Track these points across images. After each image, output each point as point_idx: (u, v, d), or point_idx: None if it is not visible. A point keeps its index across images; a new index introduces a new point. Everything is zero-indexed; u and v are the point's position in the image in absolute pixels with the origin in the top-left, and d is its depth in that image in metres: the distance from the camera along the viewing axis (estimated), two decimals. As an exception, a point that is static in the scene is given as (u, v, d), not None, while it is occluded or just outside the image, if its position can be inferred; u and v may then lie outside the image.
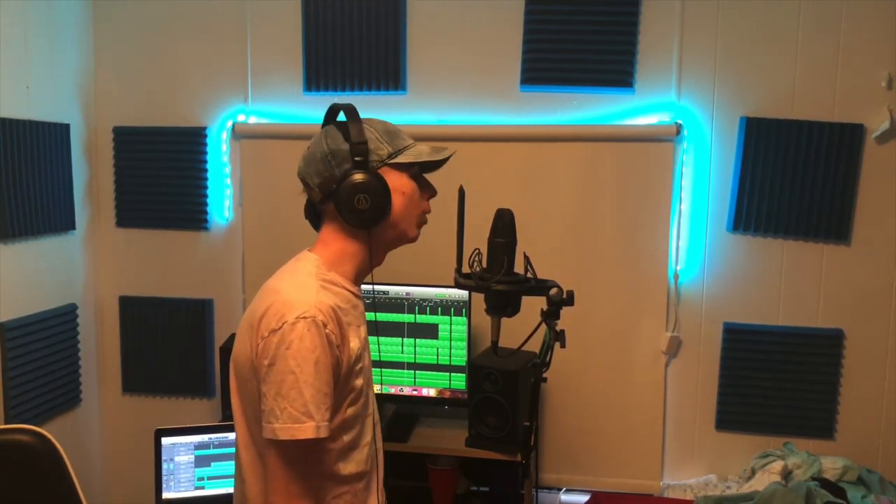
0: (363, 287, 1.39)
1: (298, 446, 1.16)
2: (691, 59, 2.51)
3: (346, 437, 1.27)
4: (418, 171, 1.36)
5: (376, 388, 2.49)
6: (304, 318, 1.17)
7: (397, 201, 1.30)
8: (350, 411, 1.27)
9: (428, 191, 1.37)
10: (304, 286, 1.23)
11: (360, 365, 1.29)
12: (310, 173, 1.31)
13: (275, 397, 1.16)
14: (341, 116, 1.32)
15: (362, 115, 1.33)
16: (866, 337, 2.48)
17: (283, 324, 1.17)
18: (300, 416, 1.15)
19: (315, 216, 1.38)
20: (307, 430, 1.15)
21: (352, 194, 1.25)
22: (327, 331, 1.18)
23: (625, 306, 2.58)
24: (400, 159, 1.30)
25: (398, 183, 1.30)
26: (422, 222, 1.38)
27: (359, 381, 1.28)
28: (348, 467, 1.29)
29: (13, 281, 2.42)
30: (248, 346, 1.22)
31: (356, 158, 1.25)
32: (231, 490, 1.38)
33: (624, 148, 2.54)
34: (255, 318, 1.22)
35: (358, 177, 1.25)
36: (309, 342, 1.16)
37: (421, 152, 1.32)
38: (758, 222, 2.49)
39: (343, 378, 1.24)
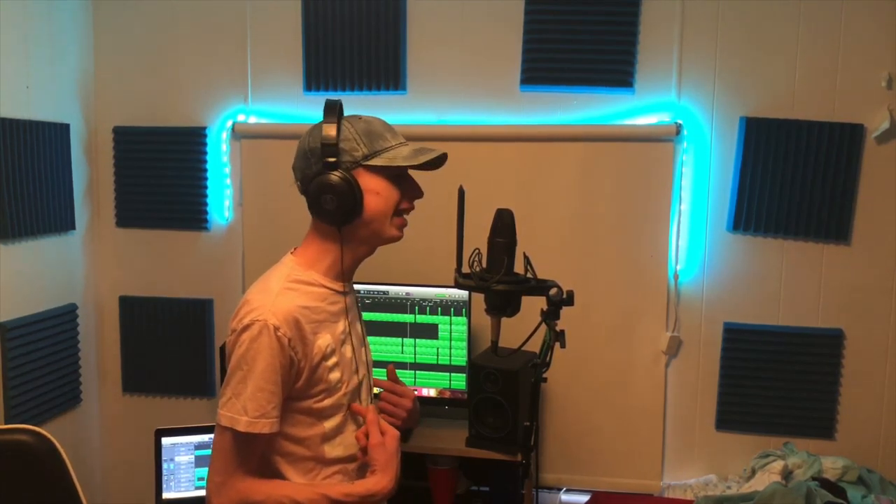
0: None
1: (236, 435, 1.25)
2: (691, 59, 2.51)
3: (328, 424, 1.35)
4: (401, 172, 1.37)
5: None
6: (258, 320, 1.25)
7: (371, 202, 1.32)
8: (327, 402, 1.34)
9: (412, 192, 1.39)
10: (267, 291, 1.30)
11: (333, 360, 1.34)
12: (295, 167, 1.36)
13: (225, 386, 1.28)
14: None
15: (361, 114, 1.33)
16: (866, 337, 2.48)
17: (241, 325, 1.27)
18: (240, 410, 1.25)
19: None
20: (241, 424, 1.24)
21: (318, 193, 1.30)
22: (279, 334, 1.25)
23: (625, 306, 2.58)
24: (374, 162, 1.32)
25: (372, 184, 1.32)
26: (401, 223, 1.39)
27: (333, 375, 1.34)
28: (335, 451, 1.37)
29: (13, 281, 2.42)
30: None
31: (326, 159, 1.29)
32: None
33: (624, 148, 2.54)
34: (230, 321, 1.31)
35: (326, 177, 1.29)
36: (258, 343, 1.24)
37: (397, 156, 1.33)
38: (758, 222, 2.49)
39: (308, 374, 1.30)
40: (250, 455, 1.28)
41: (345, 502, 1.28)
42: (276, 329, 1.24)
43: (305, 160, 1.33)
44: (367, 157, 1.31)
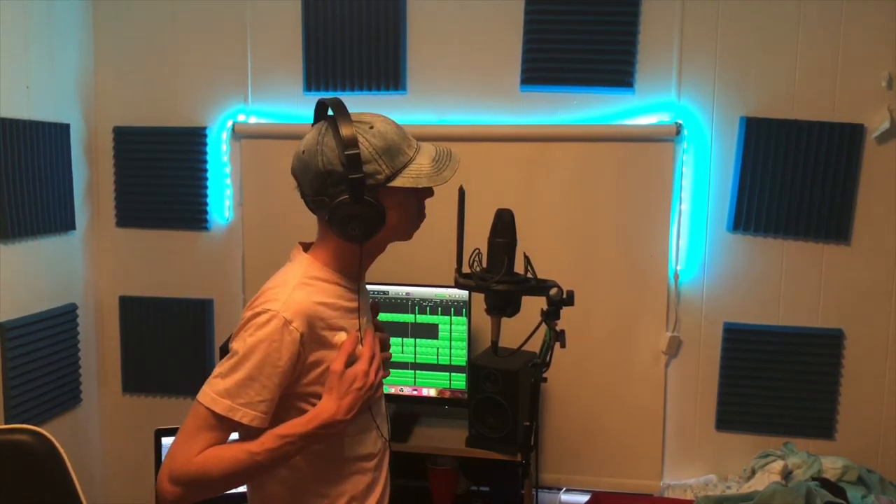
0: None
1: (211, 415, 1.21)
2: (691, 59, 2.51)
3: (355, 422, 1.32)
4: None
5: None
6: (269, 311, 1.23)
7: (393, 216, 1.29)
8: None
9: (425, 194, 1.36)
10: (284, 284, 1.29)
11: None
12: (304, 181, 1.30)
13: (218, 366, 1.25)
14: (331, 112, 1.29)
15: (363, 112, 1.31)
16: (866, 337, 2.49)
17: (252, 312, 1.25)
18: (222, 391, 1.21)
19: None
20: (219, 406, 1.21)
21: (345, 222, 1.26)
22: (291, 327, 1.23)
23: (625, 306, 2.58)
24: (397, 183, 1.27)
25: (393, 201, 1.29)
26: (416, 227, 1.38)
27: None
28: (366, 448, 1.37)
29: (13, 281, 2.42)
30: None
31: (351, 188, 1.23)
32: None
33: (624, 148, 2.54)
34: (245, 311, 1.29)
35: (352, 208, 1.25)
36: (264, 333, 1.22)
37: (420, 174, 1.28)
38: (758, 222, 2.49)
39: (325, 370, 1.27)
40: (217, 439, 1.22)
41: (292, 433, 1.22)
42: (289, 322, 1.22)
43: (321, 181, 1.26)
44: (389, 179, 1.27)
